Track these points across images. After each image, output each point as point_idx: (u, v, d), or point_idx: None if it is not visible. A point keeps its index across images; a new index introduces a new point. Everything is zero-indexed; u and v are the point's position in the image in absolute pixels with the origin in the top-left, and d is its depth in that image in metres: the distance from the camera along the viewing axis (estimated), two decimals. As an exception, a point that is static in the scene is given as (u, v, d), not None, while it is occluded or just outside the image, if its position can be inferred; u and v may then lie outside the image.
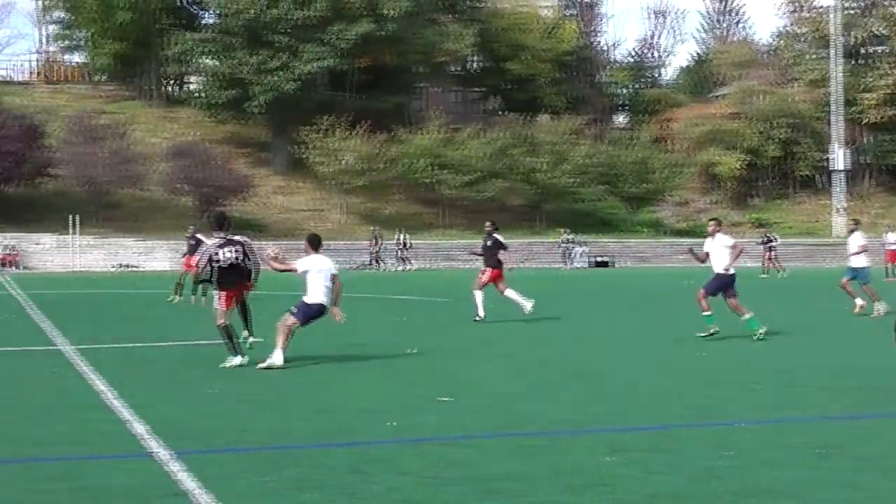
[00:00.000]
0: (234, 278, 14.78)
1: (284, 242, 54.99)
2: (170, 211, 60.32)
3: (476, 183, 65.42)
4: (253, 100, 65.27)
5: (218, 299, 14.83)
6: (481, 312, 21.46)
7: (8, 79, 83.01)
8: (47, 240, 56.80)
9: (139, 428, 9.85)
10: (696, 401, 11.82)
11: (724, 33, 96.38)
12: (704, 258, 18.78)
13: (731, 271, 18.44)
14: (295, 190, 67.88)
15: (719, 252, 18.50)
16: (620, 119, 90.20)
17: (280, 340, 14.31)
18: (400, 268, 55.21)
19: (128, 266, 54.46)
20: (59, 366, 14.69)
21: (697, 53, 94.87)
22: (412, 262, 56.48)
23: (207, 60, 69.18)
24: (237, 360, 14.33)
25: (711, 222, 19.16)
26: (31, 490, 7.54)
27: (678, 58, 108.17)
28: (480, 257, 22.82)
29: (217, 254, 14.71)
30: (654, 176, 69.88)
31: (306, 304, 14.75)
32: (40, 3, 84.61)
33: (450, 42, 71.34)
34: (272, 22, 64.70)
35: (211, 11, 73.06)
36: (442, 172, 64.71)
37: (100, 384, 12.77)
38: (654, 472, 8.09)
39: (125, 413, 10.72)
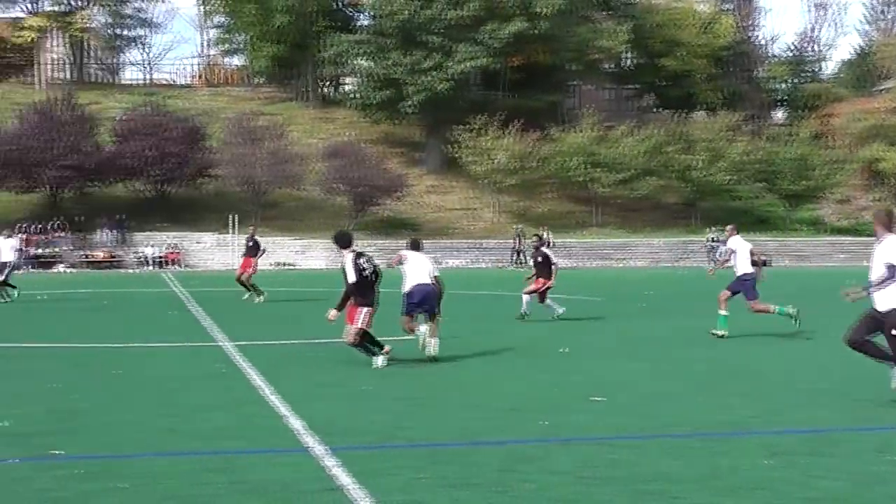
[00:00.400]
0: (371, 294, 14.69)
1: (436, 241, 55.58)
2: (325, 210, 61.30)
3: (630, 181, 64.76)
4: (407, 100, 65.86)
5: (360, 317, 14.50)
6: (559, 309, 22.19)
7: (171, 82, 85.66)
8: (208, 238, 58.39)
9: (296, 423, 10.04)
10: (854, 403, 11.47)
11: (889, 25, 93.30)
12: None
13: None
14: (448, 189, 68.25)
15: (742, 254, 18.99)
16: (779, 115, 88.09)
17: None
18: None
19: (285, 264, 55.53)
20: (219, 361, 15.07)
21: (860, 46, 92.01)
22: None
23: (362, 61, 70.06)
24: (380, 360, 14.45)
25: (729, 227, 20.13)
26: (193, 482, 7.75)
27: (839, 51, 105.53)
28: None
29: (363, 267, 14.66)
30: (814, 173, 67.99)
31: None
32: (202, 8, 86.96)
33: (603, 39, 70.72)
34: (426, 22, 65.15)
35: (366, 13, 73.95)
36: (595, 170, 64.20)
37: (258, 380, 13.06)
38: (815, 476, 7.89)
39: (282, 409, 10.94)
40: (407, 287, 15.25)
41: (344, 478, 7.81)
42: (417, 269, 15.33)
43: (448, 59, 65.19)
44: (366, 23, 74.52)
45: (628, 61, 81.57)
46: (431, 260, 16.08)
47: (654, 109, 77.47)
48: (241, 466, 8.31)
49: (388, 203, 60.81)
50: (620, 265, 58.25)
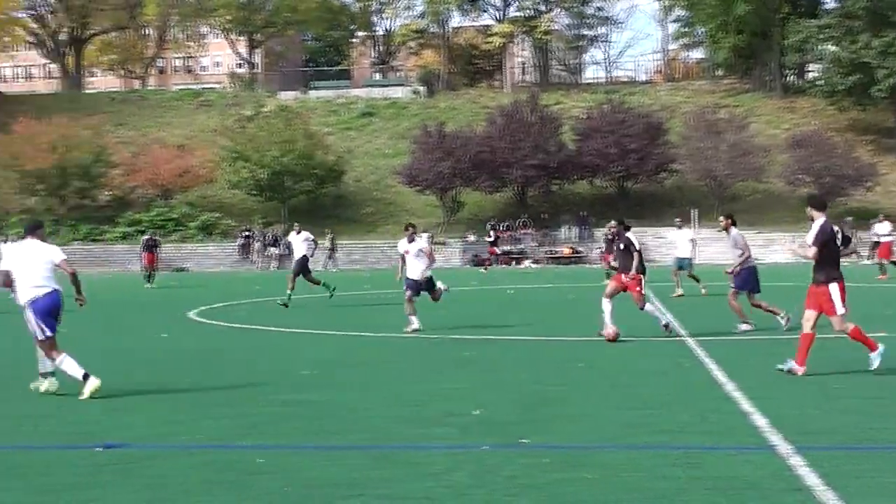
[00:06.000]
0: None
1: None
2: (789, 203, 59.54)
3: None
4: (877, 84, 62.60)
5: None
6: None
7: (631, 79, 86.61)
8: (670, 235, 58.37)
9: (760, 421, 9.79)
10: None
11: None
12: None
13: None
14: (924, 177, 64.15)
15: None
16: None
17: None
18: None
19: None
20: (682, 356, 15.01)
21: None
22: None
23: (829, 47, 67.39)
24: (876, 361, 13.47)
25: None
26: (655, 476, 7.76)
27: None
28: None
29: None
30: None
31: None
32: (662, 3, 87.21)
33: None
34: (897, 2, 61.68)
35: (832, -4, 71.23)
36: None
37: (719, 375, 12.87)
38: None
39: (745, 405, 10.71)
40: None
41: (811, 478, 7.52)
42: None
43: (923, 39, 61.24)
44: (832, 6, 71.56)
45: None
46: None
47: None
48: (704, 462, 8.22)
49: (857, 193, 58.07)
50: None
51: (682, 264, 29.10)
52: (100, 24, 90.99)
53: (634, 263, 17.51)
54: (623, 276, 17.57)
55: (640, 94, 74.91)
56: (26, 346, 17.96)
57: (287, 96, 79.91)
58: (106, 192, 67.15)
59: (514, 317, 22.87)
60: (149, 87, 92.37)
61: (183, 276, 51.49)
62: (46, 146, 63.95)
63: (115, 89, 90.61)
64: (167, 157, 66.41)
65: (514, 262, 57.00)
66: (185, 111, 78.78)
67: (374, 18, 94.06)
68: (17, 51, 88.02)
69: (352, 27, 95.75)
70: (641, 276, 17.60)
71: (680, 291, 27.90)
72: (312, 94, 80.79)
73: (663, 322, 17.74)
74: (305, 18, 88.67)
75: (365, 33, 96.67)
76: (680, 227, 30.30)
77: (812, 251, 12.57)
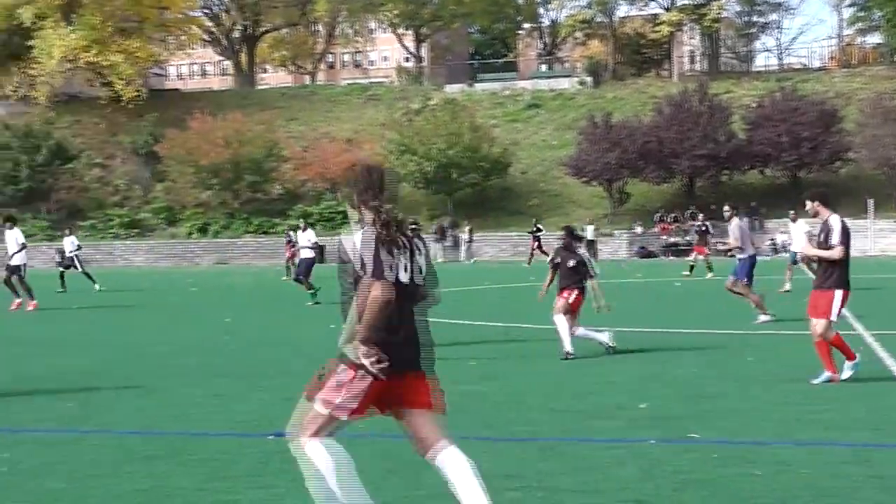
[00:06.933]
0: None
1: None
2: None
3: None
4: None
5: None
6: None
7: (804, 66, 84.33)
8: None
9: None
10: None
11: None
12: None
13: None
14: None
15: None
16: None
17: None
18: None
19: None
20: (856, 350, 14.57)
21: None
22: None
23: None
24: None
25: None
26: (828, 474, 7.56)
27: None
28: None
29: None
30: None
31: None
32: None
33: None
34: None
35: None
36: None
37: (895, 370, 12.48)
38: None
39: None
40: None
41: None
42: None
43: None
44: None
45: None
46: None
47: None
48: (879, 460, 7.96)
49: None
50: None
51: (797, 258, 27.89)
52: (272, 21, 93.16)
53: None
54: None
55: (813, 82, 72.81)
56: (186, 335, 18.62)
57: (453, 89, 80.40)
58: (277, 186, 68.81)
59: (680, 309, 22.57)
60: (318, 83, 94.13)
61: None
62: (220, 141, 65.89)
63: (285, 85, 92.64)
64: (336, 151, 67.64)
65: (682, 255, 56.13)
66: (353, 105, 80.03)
67: (540, 10, 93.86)
68: (192, 49, 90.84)
69: (518, 19, 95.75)
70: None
71: (788, 287, 26.53)
72: (478, 86, 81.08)
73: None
74: (471, 11, 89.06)
75: (530, 25, 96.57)
76: (794, 220, 28.98)
77: (838, 251, 11.50)
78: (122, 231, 67.76)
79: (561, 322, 14.47)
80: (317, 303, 25.51)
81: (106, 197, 71.25)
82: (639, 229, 59.33)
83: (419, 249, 5.80)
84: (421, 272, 5.75)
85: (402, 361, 5.66)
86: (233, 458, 8.42)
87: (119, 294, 32.45)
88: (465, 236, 58.66)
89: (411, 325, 5.74)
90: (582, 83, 78.76)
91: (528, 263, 49.18)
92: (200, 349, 16.58)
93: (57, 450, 8.86)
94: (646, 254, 56.14)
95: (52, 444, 9.12)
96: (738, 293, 19.69)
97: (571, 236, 15.21)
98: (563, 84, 79.48)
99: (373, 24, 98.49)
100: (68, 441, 9.26)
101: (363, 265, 5.60)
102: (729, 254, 19.41)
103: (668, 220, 59.21)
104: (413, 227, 6.01)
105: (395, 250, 5.60)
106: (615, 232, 59.72)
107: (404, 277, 5.64)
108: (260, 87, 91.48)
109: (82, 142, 74.46)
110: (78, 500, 7.31)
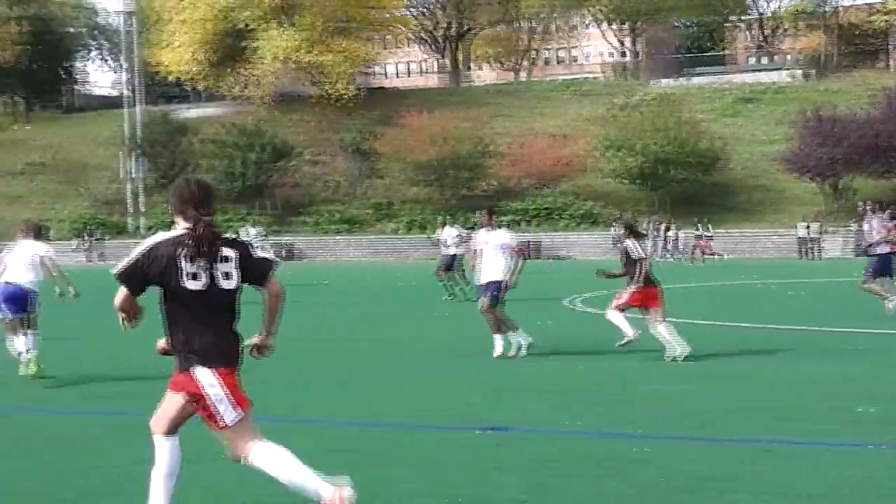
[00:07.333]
0: None
1: None
2: None
3: None
4: None
5: None
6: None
7: None
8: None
9: None
10: None
11: None
12: None
13: None
14: None
15: None
16: None
17: None
18: None
19: None
20: None
21: None
22: None
23: None
24: None
25: None
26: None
27: None
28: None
29: None
30: None
31: None
32: None
33: None
34: None
35: None
36: None
37: None
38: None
39: None
40: None
41: None
42: None
43: None
44: None
45: None
46: None
47: None
48: None
49: None
50: None
51: None
52: (482, 18, 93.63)
53: None
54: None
55: None
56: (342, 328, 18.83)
57: (663, 83, 79.32)
58: (493, 182, 69.17)
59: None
60: (525, 79, 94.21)
61: (558, 264, 52.39)
62: (430, 138, 66.70)
63: (493, 82, 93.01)
64: (544, 146, 67.64)
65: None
66: (561, 101, 79.81)
67: (751, 2, 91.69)
68: (399, 47, 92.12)
69: (725, 12, 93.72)
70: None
71: None
72: (689, 80, 79.76)
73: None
74: (682, 4, 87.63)
75: (742, 17, 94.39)
76: None
77: None
78: (335, 226, 69.17)
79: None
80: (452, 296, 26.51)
81: (319, 192, 72.99)
82: (857, 226, 56.98)
83: (226, 258, 5.92)
84: (228, 277, 5.89)
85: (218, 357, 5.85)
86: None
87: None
88: (670, 234, 57.17)
89: (220, 324, 5.90)
90: (804, 75, 76.44)
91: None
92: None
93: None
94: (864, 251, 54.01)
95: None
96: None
97: (632, 232, 14.54)
98: (776, 77, 77.43)
99: (581, 19, 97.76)
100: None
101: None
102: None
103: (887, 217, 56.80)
104: (232, 237, 6.19)
105: (197, 259, 5.80)
106: (829, 229, 57.44)
107: (194, 286, 5.80)
108: (468, 85, 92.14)
109: (302, 139, 76.27)
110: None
